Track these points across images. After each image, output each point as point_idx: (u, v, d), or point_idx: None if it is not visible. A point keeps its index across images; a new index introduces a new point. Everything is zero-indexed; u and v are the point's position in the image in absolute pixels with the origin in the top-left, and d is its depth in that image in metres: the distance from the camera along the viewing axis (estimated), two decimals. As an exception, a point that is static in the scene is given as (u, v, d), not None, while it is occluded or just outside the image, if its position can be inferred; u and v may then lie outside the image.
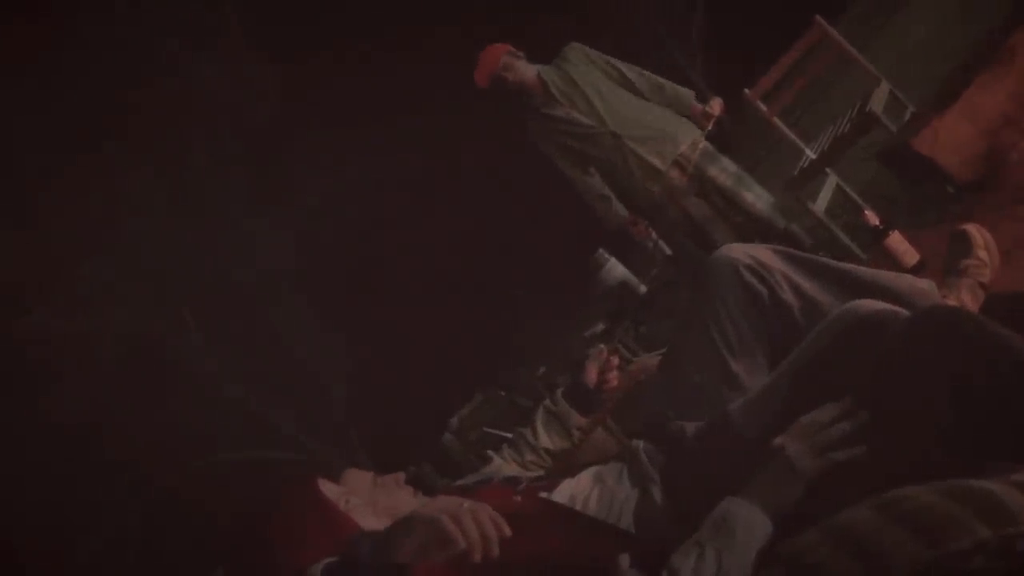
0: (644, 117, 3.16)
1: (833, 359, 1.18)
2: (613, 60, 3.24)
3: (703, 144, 3.16)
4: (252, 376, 6.39)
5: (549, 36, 3.46)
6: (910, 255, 2.10)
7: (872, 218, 2.23)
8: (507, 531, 1.00)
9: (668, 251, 3.68)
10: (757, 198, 3.11)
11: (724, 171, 3.13)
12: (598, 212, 3.33)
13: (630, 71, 3.21)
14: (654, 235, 3.48)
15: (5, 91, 5.48)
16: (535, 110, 3.22)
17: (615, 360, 1.62)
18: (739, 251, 1.47)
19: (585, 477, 1.39)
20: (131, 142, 6.04)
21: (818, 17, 3.14)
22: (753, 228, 3.08)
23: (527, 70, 3.22)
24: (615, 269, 3.46)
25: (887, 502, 0.82)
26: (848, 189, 3.19)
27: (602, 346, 1.69)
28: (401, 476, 1.35)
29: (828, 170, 3.14)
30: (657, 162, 3.11)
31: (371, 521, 1.27)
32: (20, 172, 5.64)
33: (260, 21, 6.27)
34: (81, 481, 5.36)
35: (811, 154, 3.11)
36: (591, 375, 1.60)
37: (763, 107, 3.17)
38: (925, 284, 1.55)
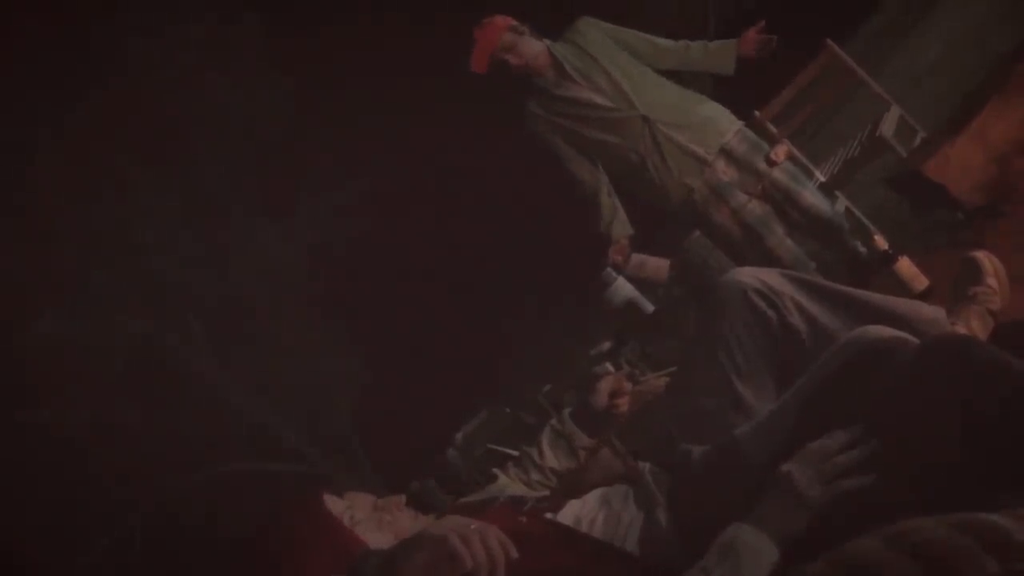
0: (680, 101, 2.70)
1: (842, 385, 1.18)
2: (640, 33, 2.77)
3: (748, 133, 2.73)
4: (259, 388, 6.39)
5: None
6: (919, 281, 2.11)
7: (882, 243, 2.23)
8: (514, 553, 0.99)
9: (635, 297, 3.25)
10: (814, 196, 2.68)
11: (782, 165, 2.69)
12: (602, 220, 2.84)
13: (663, 41, 2.75)
14: (631, 263, 2.99)
15: (16, 99, 5.53)
16: (542, 92, 2.72)
17: (628, 386, 1.61)
18: (748, 275, 1.48)
19: (591, 499, 1.39)
20: (142, 151, 6.08)
21: (829, 40, 3.15)
22: (814, 229, 2.69)
23: (534, 47, 2.70)
24: (623, 288, 3.45)
25: (896, 534, 0.82)
26: (858, 213, 3.19)
27: (609, 366, 1.69)
28: (402, 499, 1.35)
29: (838, 193, 3.14)
30: (700, 150, 2.64)
31: (376, 537, 1.26)
32: (30, 179, 5.68)
33: (274, 31, 6.31)
34: (83, 490, 5.36)
35: (821, 177, 3.11)
36: (602, 398, 1.59)
37: (773, 129, 3.17)
38: (934, 311, 1.55)
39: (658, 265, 3.39)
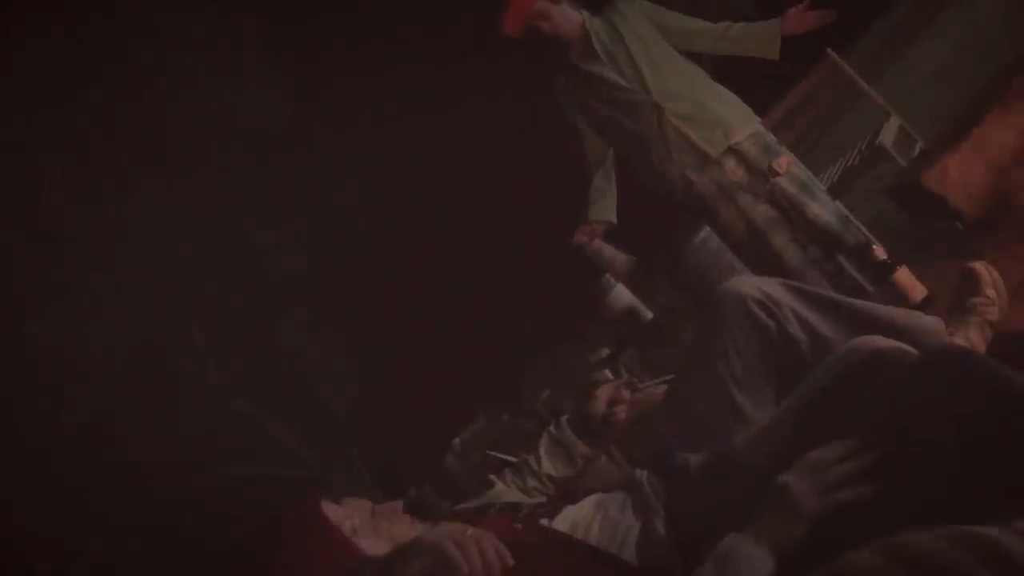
0: (697, 95, 2.67)
1: (840, 396, 1.18)
2: (678, 15, 2.74)
3: (765, 137, 2.69)
4: (257, 391, 6.39)
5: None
6: (918, 291, 2.11)
7: (880, 253, 2.23)
8: (510, 560, 1.00)
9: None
10: (823, 208, 2.63)
11: (787, 174, 2.64)
12: (589, 198, 2.86)
13: (698, 22, 2.73)
14: (596, 246, 3.04)
15: (17, 100, 5.54)
16: (569, 63, 2.73)
17: (627, 394, 1.61)
18: (748, 285, 1.48)
19: (587, 505, 1.38)
20: (143, 152, 6.08)
21: (829, 50, 3.16)
22: (817, 240, 2.66)
23: (569, 17, 2.70)
24: (622, 294, 3.45)
25: (893, 546, 0.82)
26: (857, 222, 3.19)
27: (609, 373, 1.69)
28: (399, 506, 1.35)
29: (836, 202, 3.15)
30: (706, 148, 2.62)
31: (373, 544, 1.26)
32: (30, 180, 5.68)
33: (275, 31, 6.31)
34: (81, 493, 5.35)
35: (820, 185, 3.12)
36: (600, 406, 1.59)
37: (775, 137, 3.18)
38: (933, 322, 1.55)
39: (614, 255, 3.38)
